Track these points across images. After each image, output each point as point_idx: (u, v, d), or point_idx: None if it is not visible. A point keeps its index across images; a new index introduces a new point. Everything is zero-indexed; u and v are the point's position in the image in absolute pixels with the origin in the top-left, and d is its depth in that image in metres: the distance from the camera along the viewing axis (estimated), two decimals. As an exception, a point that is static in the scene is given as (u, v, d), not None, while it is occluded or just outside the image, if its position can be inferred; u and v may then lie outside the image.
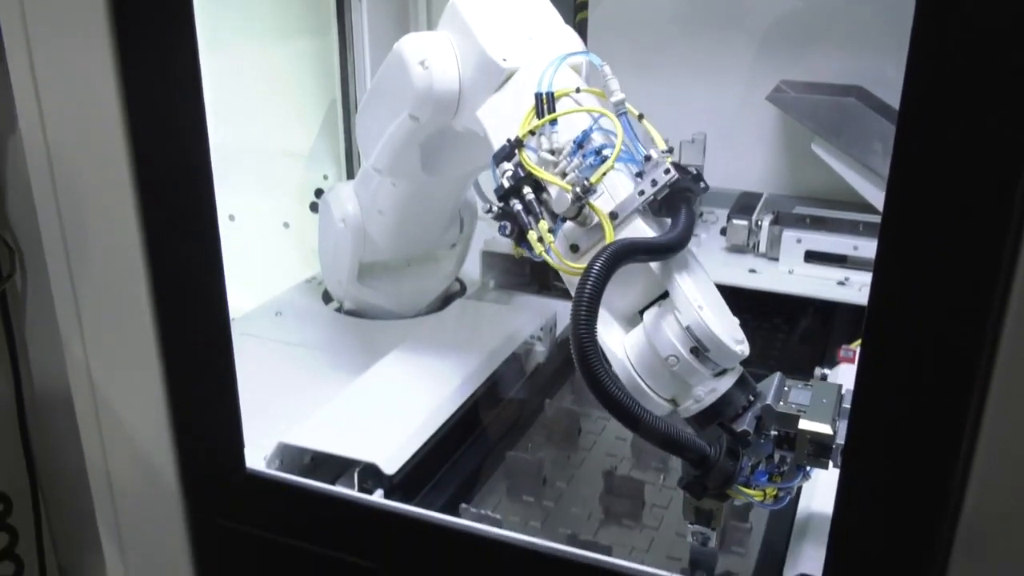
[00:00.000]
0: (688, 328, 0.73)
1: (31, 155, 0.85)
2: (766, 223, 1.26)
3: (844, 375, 1.06)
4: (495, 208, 0.82)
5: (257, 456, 0.90)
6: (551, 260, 0.78)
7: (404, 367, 1.07)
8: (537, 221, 0.78)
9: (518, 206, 0.79)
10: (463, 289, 1.37)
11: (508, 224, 0.80)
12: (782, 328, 1.32)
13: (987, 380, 0.57)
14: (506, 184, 0.80)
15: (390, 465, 0.89)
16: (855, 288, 1.18)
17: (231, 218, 1.49)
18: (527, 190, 0.79)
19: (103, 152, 0.82)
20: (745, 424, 0.74)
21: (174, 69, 0.77)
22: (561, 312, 1.26)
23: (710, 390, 0.75)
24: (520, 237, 0.80)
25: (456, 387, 1.03)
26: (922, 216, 0.56)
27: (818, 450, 0.72)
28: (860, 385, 0.61)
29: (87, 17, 0.77)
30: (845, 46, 1.35)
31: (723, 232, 1.31)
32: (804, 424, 0.72)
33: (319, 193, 1.47)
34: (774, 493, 0.75)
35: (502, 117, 0.86)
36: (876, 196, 1.23)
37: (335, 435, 0.93)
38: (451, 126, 0.97)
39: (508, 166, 0.80)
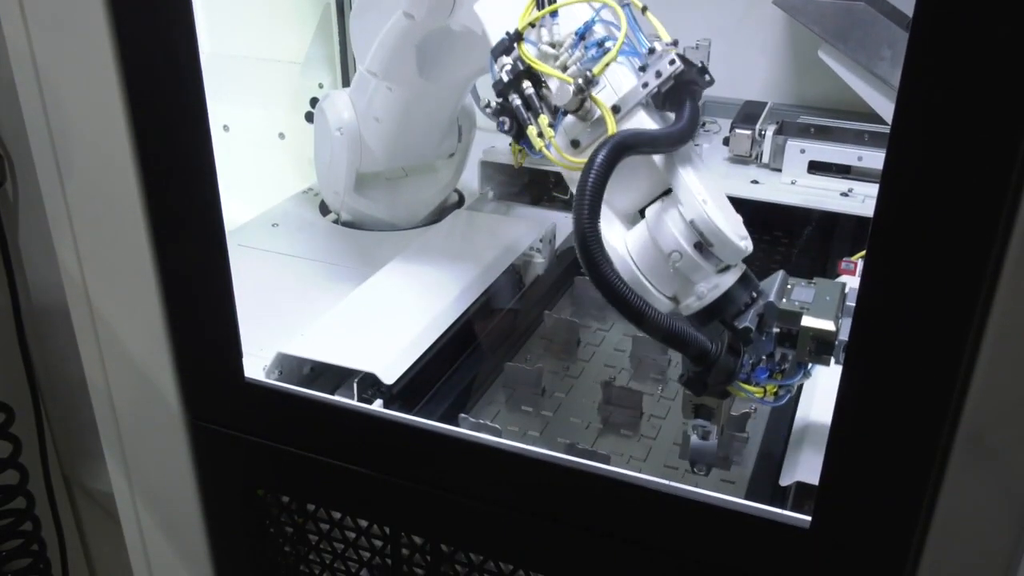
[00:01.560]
0: (692, 222, 0.72)
1: (16, 61, 0.83)
2: (770, 133, 1.24)
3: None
4: (493, 104, 0.80)
5: (256, 367, 0.90)
6: (551, 155, 0.76)
7: (402, 278, 1.07)
8: (536, 116, 0.77)
9: (517, 101, 0.77)
10: (461, 200, 1.36)
11: (507, 119, 0.79)
12: (783, 240, 1.31)
13: (992, 291, 0.57)
14: (505, 78, 0.78)
15: (389, 375, 0.89)
16: (858, 200, 1.17)
17: (225, 128, 1.47)
18: (527, 84, 0.77)
19: (90, 59, 0.80)
20: (747, 321, 0.73)
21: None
22: (560, 223, 1.25)
23: (713, 286, 0.74)
24: (519, 134, 0.78)
25: (455, 298, 1.02)
26: (933, 126, 0.55)
27: (820, 347, 0.72)
28: (863, 296, 0.61)
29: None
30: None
31: (726, 142, 1.29)
32: (807, 321, 0.72)
33: (315, 102, 1.44)
34: (774, 391, 0.75)
35: (501, 10, 0.84)
36: (883, 105, 1.20)
37: (334, 345, 0.93)
38: (448, 26, 0.94)
39: (507, 60, 0.78)
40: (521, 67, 0.77)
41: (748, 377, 0.74)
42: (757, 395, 0.75)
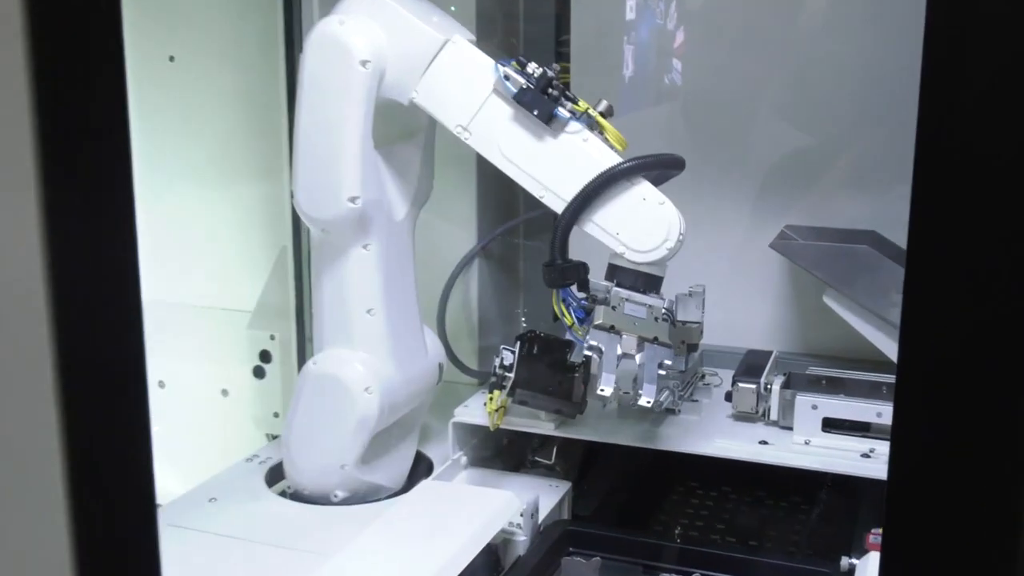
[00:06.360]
0: None
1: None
2: (776, 386, 1.26)
3: (875, 564, 1.05)
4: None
5: None
6: None
7: (363, 564, 1.05)
8: None
9: None
10: (430, 468, 1.36)
11: None
12: (802, 507, 1.32)
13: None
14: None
15: None
16: (882, 461, 1.18)
17: (160, 384, 1.50)
18: None
19: (21, 304, 0.82)
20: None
21: (106, 220, 0.79)
22: (544, 493, 1.25)
23: None
24: None
25: (422, 588, 1.01)
26: (939, 376, 0.57)
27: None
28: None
29: (12, 148, 0.79)
30: (855, 187, 1.40)
31: (728, 397, 1.31)
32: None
33: (265, 356, 1.48)
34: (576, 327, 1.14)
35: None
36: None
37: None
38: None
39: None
40: None
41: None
42: (568, 322, 1.14)
